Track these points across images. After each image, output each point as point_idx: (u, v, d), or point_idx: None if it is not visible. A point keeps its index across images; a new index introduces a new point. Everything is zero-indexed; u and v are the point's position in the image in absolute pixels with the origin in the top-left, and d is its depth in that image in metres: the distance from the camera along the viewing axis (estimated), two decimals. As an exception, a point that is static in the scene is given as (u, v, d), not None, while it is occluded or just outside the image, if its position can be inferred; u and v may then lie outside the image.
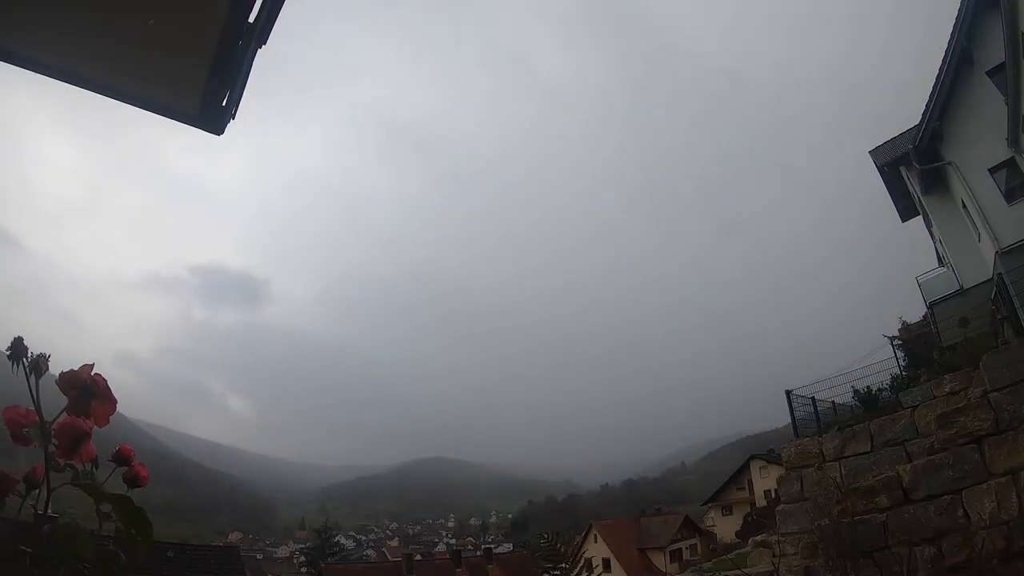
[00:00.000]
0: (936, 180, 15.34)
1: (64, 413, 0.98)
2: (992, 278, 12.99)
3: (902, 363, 14.53)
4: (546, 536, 2.28)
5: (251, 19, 2.16)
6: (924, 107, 14.22)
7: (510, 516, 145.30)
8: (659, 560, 42.00)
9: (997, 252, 12.56)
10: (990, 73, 13.24)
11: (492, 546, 60.88)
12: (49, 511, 0.98)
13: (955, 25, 13.58)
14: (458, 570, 38.25)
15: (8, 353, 0.95)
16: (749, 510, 37.01)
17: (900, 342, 18.15)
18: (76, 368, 0.99)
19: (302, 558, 65.20)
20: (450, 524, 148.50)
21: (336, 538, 56.57)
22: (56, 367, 0.99)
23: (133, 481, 1.09)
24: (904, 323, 22.11)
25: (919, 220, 20.11)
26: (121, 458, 1.11)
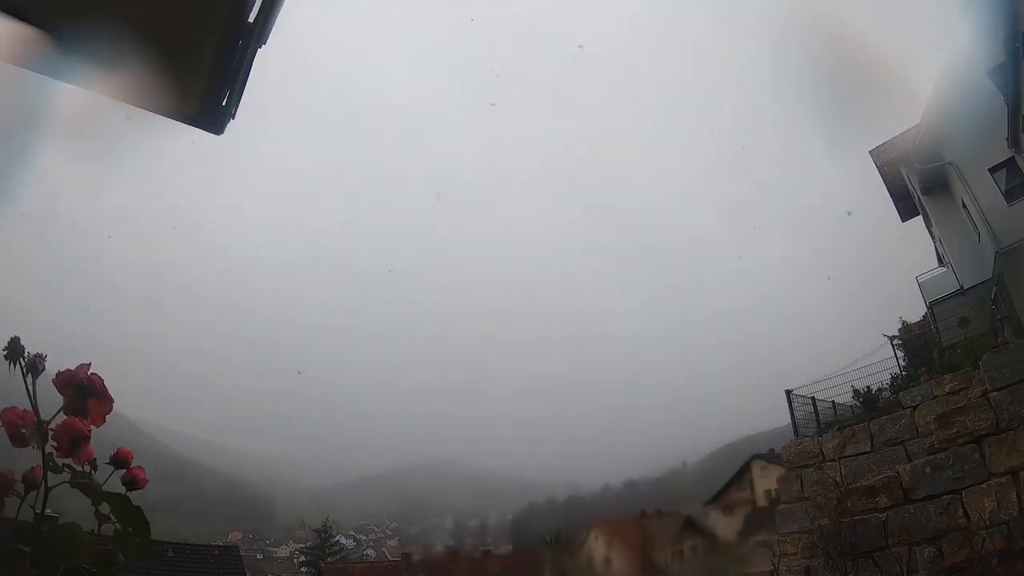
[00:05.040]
0: (936, 180, 15.35)
1: (60, 412, 0.98)
2: (992, 278, 13.00)
3: (902, 363, 14.53)
4: (550, 538, 2.28)
5: (251, 19, 2.17)
6: (925, 107, 14.23)
7: (510, 516, 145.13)
8: (660, 561, 41.97)
9: (997, 252, 12.56)
10: (990, 73, 13.23)
11: (492, 547, 60.84)
12: (48, 511, 0.98)
13: (955, 25, 13.57)
14: (457, 570, 38.25)
15: (4, 353, 0.95)
16: (750, 510, 36.96)
17: (900, 342, 18.14)
18: (73, 367, 0.99)
19: (302, 558, 65.12)
20: (449, 524, 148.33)
21: (336, 538, 56.51)
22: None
23: (131, 484, 1.09)
24: (904, 323, 22.11)
25: (919, 220, 20.12)
26: (119, 461, 1.11)
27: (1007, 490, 7.68)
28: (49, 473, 0.97)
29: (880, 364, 12.53)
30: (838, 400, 12.69)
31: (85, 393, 0.99)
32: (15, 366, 0.96)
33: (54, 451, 0.99)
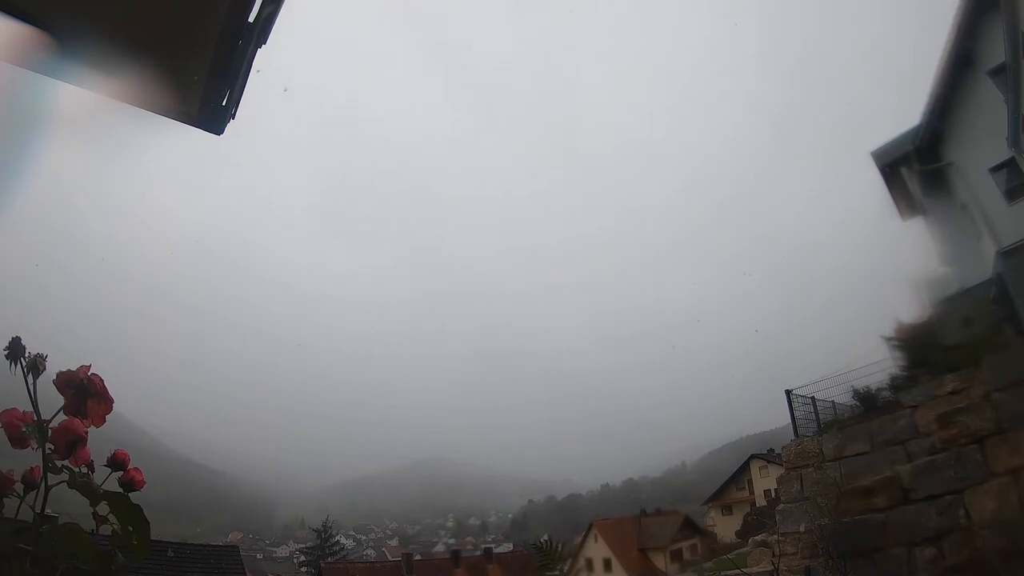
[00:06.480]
0: (937, 180, 15.36)
1: (60, 413, 0.98)
2: (993, 278, 13.00)
3: (902, 363, 14.50)
4: (542, 545, 2.26)
5: (251, 19, 2.17)
6: (925, 107, 14.24)
7: (510, 516, 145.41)
8: (660, 560, 42.01)
9: (997, 252, 12.56)
10: (990, 73, 13.24)
11: (492, 546, 60.89)
12: (47, 512, 0.98)
13: (955, 25, 13.57)
14: (457, 570, 38.29)
15: (6, 353, 0.95)
16: (749, 510, 37.02)
17: (899, 342, 18.10)
18: (73, 368, 0.98)
19: (302, 558, 65.22)
20: (449, 524, 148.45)
21: (336, 538, 56.60)
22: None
23: (128, 485, 1.09)
24: (904, 323, 22.06)
25: (920, 220, 20.13)
26: (116, 463, 1.11)
27: (1009, 490, 7.68)
28: (49, 473, 0.97)
29: (880, 364, 12.50)
30: (838, 400, 12.68)
31: (85, 394, 0.99)
32: (16, 366, 0.95)
33: (52, 452, 0.99)
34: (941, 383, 9.08)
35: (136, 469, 1.10)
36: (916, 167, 15.06)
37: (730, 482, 47.11)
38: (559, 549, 2.23)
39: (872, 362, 11.88)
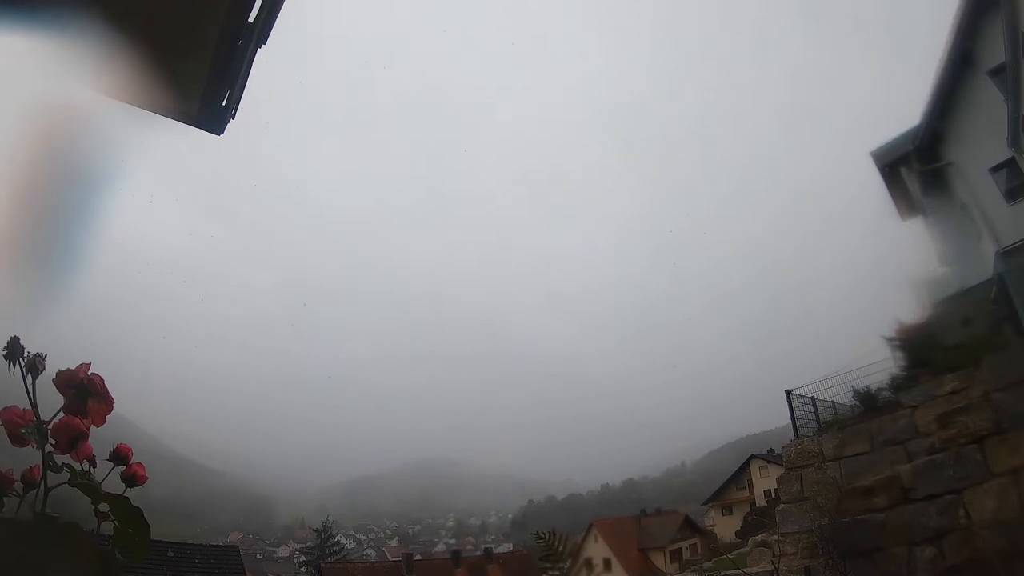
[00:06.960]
0: (936, 180, 15.36)
1: (61, 413, 0.98)
2: (993, 278, 13.00)
3: (902, 363, 14.49)
4: (544, 536, 2.24)
5: (251, 19, 2.17)
6: (925, 107, 14.25)
7: (510, 516, 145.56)
8: (659, 560, 42.00)
9: (997, 252, 12.56)
10: (990, 73, 13.24)
11: (492, 546, 60.85)
12: (47, 511, 0.98)
13: (955, 25, 13.57)
14: (458, 570, 38.29)
15: (4, 353, 0.94)
16: (749, 510, 37.01)
17: (899, 342, 18.09)
18: (73, 367, 0.98)
19: (302, 558, 65.20)
20: (449, 524, 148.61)
21: (336, 538, 56.59)
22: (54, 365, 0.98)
23: (131, 480, 1.09)
24: (904, 323, 22.05)
25: (919, 220, 20.12)
26: (119, 457, 1.11)
27: (1008, 490, 7.69)
28: (49, 473, 0.96)
29: (880, 364, 12.50)
30: (838, 400, 12.67)
31: (85, 393, 0.99)
32: (15, 366, 0.95)
33: (53, 449, 0.98)
34: (941, 383, 9.08)
35: (139, 464, 1.10)
36: (916, 167, 15.06)
37: (730, 482, 47.09)
38: (564, 542, 2.16)
39: (872, 362, 11.87)
